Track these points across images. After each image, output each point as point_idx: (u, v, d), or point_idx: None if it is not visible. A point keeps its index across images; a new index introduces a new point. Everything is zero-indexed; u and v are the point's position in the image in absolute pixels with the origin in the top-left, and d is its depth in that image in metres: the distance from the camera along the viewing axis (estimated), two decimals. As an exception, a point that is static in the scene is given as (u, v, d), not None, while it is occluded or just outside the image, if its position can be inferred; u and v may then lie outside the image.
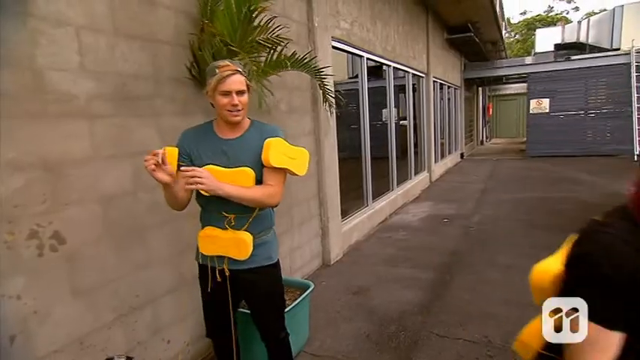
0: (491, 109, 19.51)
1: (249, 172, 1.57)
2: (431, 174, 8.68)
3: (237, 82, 1.53)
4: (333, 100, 3.25)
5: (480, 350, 2.48)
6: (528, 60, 12.54)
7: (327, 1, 3.90)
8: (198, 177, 1.42)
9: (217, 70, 1.52)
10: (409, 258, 4.17)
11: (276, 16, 2.55)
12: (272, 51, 2.49)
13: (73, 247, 1.76)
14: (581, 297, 0.81)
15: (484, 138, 18.43)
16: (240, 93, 1.55)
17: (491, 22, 9.64)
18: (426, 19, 8.13)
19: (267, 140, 1.59)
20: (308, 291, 2.49)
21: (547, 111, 11.64)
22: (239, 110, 1.56)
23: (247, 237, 1.61)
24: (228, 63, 1.55)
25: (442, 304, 3.09)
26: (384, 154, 6.24)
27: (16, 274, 1.57)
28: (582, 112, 11.37)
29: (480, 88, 17.31)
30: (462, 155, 12.80)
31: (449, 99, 11.01)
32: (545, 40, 13.27)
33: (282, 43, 2.50)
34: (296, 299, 2.40)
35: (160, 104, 2.18)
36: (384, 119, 6.42)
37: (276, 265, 1.74)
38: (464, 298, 3.18)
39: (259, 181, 1.60)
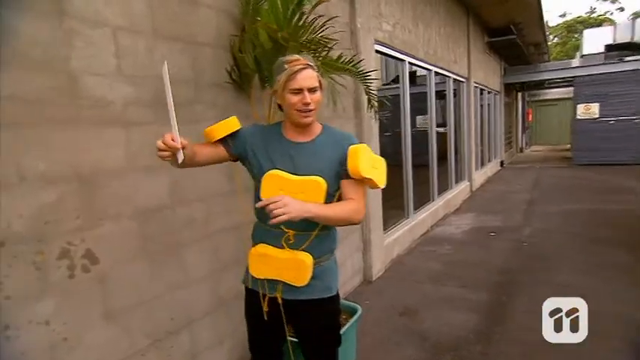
0: (531, 115, 18.67)
1: (321, 183, 1.35)
2: (472, 183, 8.26)
3: (309, 77, 1.34)
4: (376, 105, 3.03)
5: (554, 390, 2.17)
6: (575, 62, 11.85)
7: (369, 2, 3.70)
8: (281, 207, 1.20)
9: (286, 66, 1.33)
10: (457, 275, 3.86)
11: (321, 15, 2.37)
12: (317, 53, 2.30)
13: (106, 266, 1.61)
14: None
15: (523, 145, 17.63)
16: (312, 90, 1.35)
17: (535, 22, 9.15)
18: (467, 21, 7.78)
19: (352, 147, 1.38)
20: (356, 316, 2.26)
21: (596, 116, 10.90)
22: (311, 110, 1.36)
23: (307, 258, 1.38)
24: (299, 57, 1.36)
25: (502, 330, 2.77)
26: (421, 162, 5.94)
27: (45, 298, 1.43)
28: (636, 117, 10.57)
29: (520, 94, 16.60)
30: (501, 163, 12.22)
31: (489, 104, 10.53)
32: (594, 41, 12.47)
33: (328, 45, 2.31)
34: (344, 325, 2.17)
35: (200, 110, 2.02)
36: (417, 126, 6.14)
37: (335, 299, 1.51)
38: (525, 324, 2.84)
39: (329, 193, 1.38)
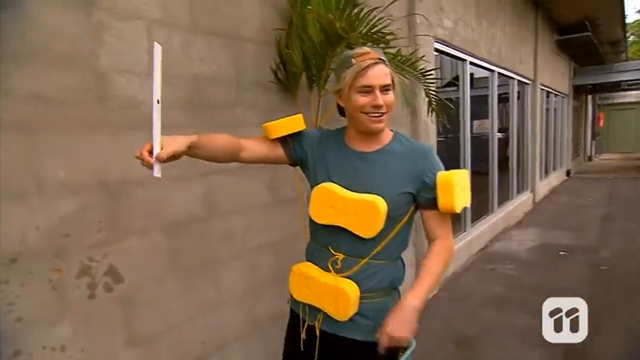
0: (602, 120, 17.08)
1: (379, 206, 1.10)
2: (535, 194, 7.57)
3: (382, 74, 1.11)
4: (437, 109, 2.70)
5: None
6: (661, 62, 10.59)
7: (430, -4, 3.38)
8: (389, 341, 1.10)
9: (354, 60, 1.11)
10: (524, 301, 3.40)
11: (376, 8, 2.11)
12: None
13: (131, 285, 1.45)
14: None
15: (592, 153, 16.16)
16: (384, 89, 1.12)
17: (615, 17, 8.24)
18: (535, 18, 7.14)
19: (442, 177, 1.12)
20: (409, 350, 1.95)
21: (685, 122, 9.66)
22: (383, 113, 1.13)
23: (351, 289, 1.15)
24: (369, 50, 1.13)
25: (583, 376, 2.34)
26: (478, 169, 5.46)
27: (62, 321, 1.28)
28: None
29: (590, 97, 15.22)
30: (568, 172, 11.21)
31: (555, 109, 9.68)
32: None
33: (383, 40, 2.05)
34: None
35: (241, 113, 1.83)
36: (473, 131, 5.67)
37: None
38: (613, 370, 2.40)
39: (392, 217, 1.14)
